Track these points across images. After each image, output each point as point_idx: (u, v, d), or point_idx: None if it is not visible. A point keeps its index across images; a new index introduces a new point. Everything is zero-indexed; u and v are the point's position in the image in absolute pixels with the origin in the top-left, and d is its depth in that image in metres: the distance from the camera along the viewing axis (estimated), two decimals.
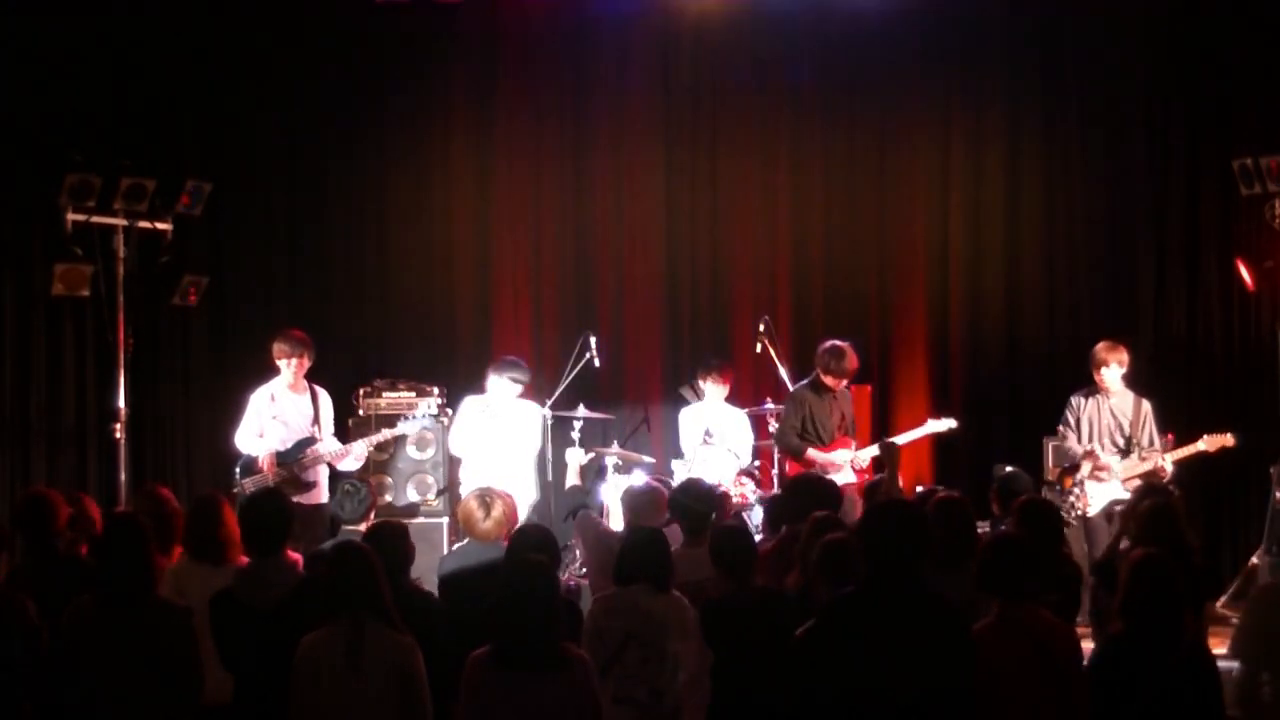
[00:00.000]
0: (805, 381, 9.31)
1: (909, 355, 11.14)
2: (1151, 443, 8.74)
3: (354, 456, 8.72)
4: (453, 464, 9.76)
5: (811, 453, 9.01)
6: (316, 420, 8.66)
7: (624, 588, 5.36)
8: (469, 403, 9.32)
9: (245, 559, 5.80)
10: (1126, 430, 8.79)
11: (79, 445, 10.27)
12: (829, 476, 8.03)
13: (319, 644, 4.69)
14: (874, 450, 9.09)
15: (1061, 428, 9.06)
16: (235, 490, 8.42)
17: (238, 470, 8.62)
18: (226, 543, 5.76)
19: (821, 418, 9.10)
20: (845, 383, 9.16)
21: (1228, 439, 8.70)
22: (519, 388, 9.19)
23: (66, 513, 6.10)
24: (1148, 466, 8.63)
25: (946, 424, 9.52)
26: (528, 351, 11.04)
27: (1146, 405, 8.85)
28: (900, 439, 9.45)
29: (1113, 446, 8.80)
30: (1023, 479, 7.36)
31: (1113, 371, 8.83)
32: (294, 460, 8.51)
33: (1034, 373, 11.01)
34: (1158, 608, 4.79)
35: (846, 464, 9.02)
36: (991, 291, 11.11)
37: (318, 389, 8.79)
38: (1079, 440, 8.89)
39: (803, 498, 6.55)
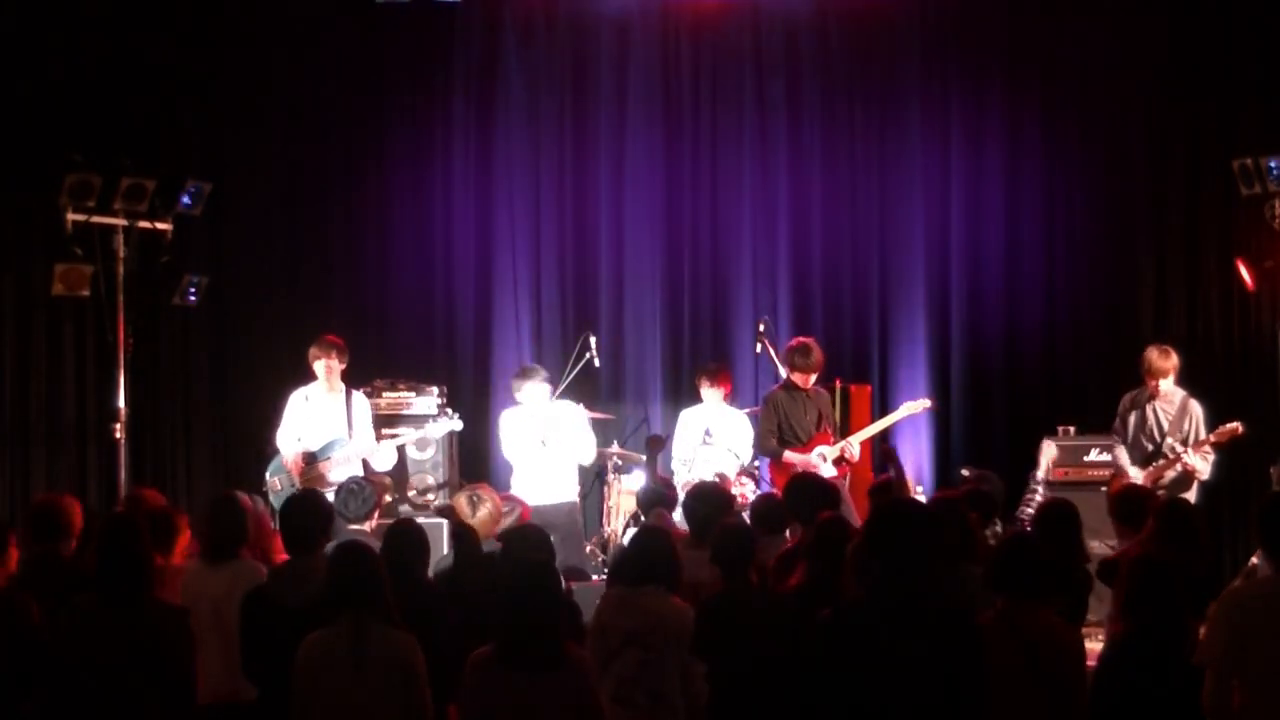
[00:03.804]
0: (777, 385, 9.40)
1: (909, 354, 11.14)
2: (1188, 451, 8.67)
3: (384, 455, 9.01)
4: (451, 467, 9.80)
5: (789, 455, 9.05)
6: (349, 421, 8.84)
7: (632, 588, 5.36)
8: (509, 416, 9.29)
9: (248, 555, 5.84)
10: (1165, 431, 8.75)
11: (79, 445, 10.27)
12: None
13: (321, 642, 4.69)
14: (859, 437, 9.22)
15: (1113, 434, 9.05)
16: (265, 489, 8.62)
17: (268, 470, 8.84)
18: (234, 542, 5.76)
19: (797, 418, 9.15)
20: (814, 378, 9.20)
21: (1235, 428, 8.68)
22: (549, 387, 9.20)
23: (77, 518, 6.11)
24: (1169, 465, 8.60)
25: (922, 404, 9.56)
26: (528, 352, 11.07)
27: (1196, 406, 8.77)
28: (876, 426, 9.54)
29: (1151, 446, 8.78)
30: (993, 480, 7.34)
31: (1169, 380, 8.79)
32: (322, 459, 8.67)
33: (1033, 372, 11.02)
34: (1157, 608, 4.79)
35: (826, 460, 9.03)
36: (991, 291, 11.11)
37: (354, 392, 9.02)
38: (1125, 445, 8.88)
39: (801, 499, 6.55)
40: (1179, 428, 8.70)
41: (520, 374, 9.31)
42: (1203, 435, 8.67)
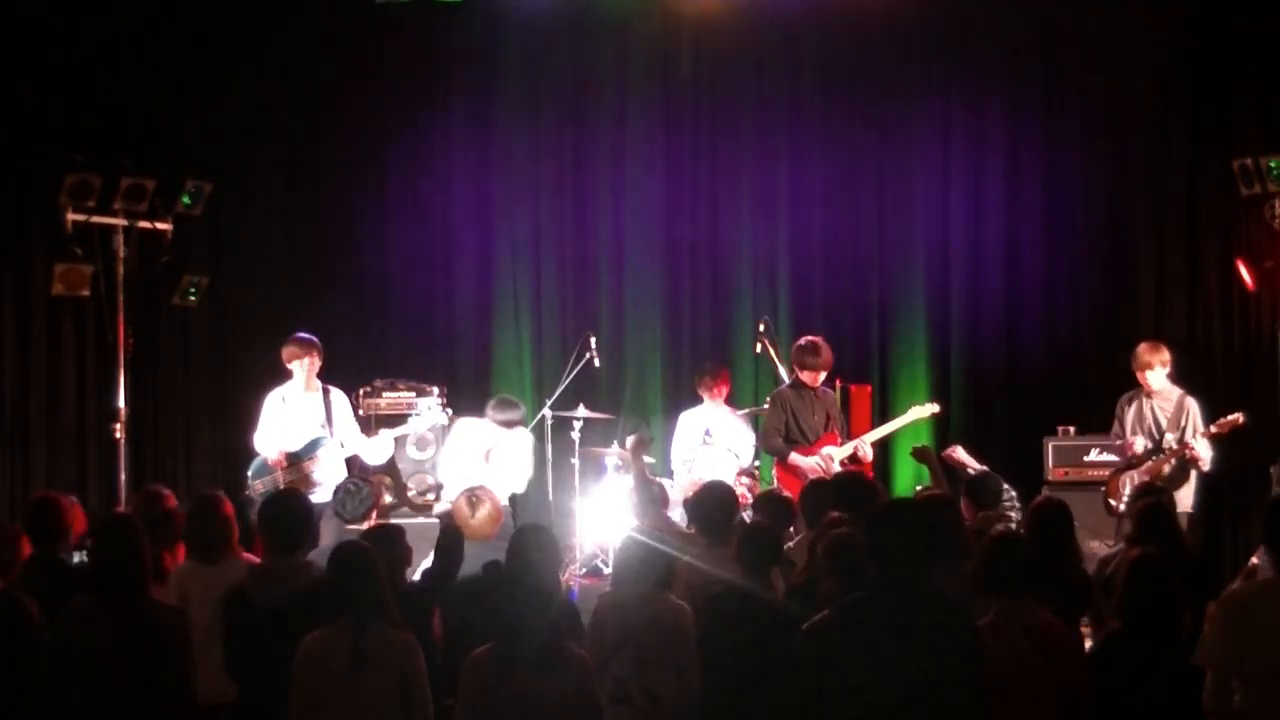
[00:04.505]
0: (785, 384, 9.40)
1: (909, 355, 11.14)
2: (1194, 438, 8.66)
3: (378, 449, 8.89)
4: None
5: (795, 457, 9.04)
6: (329, 420, 8.75)
7: (626, 589, 5.37)
8: (461, 427, 9.31)
9: (247, 556, 5.83)
10: (1164, 428, 8.77)
11: (79, 445, 10.28)
12: (814, 476, 8.24)
13: (321, 643, 4.69)
14: (854, 445, 9.14)
15: (1113, 437, 9.04)
16: (247, 492, 8.49)
17: (249, 472, 8.71)
18: (221, 541, 5.75)
19: (805, 417, 9.15)
20: (823, 376, 9.20)
21: (1237, 418, 8.69)
22: (503, 430, 9.17)
23: (73, 518, 6.10)
24: (1170, 458, 8.61)
25: (930, 409, 9.55)
26: (528, 352, 11.07)
27: (1191, 402, 8.79)
28: (886, 428, 9.52)
29: (1150, 443, 8.78)
30: (993, 480, 7.35)
31: (1156, 373, 8.80)
32: (306, 459, 8.60)
33: (1034, 372, 11.02)
34: (1155, 607, 4.80)
35: (833, 461, 9.03)
36: (991, 291, 11.11)
37: (331, 389, 8.90)
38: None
39: (814, 502, 6.56)
40: (1176, 425, 8.73)
41: (499, 404, 9.26)
42: (1198, 429, 8.69)
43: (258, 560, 5.83)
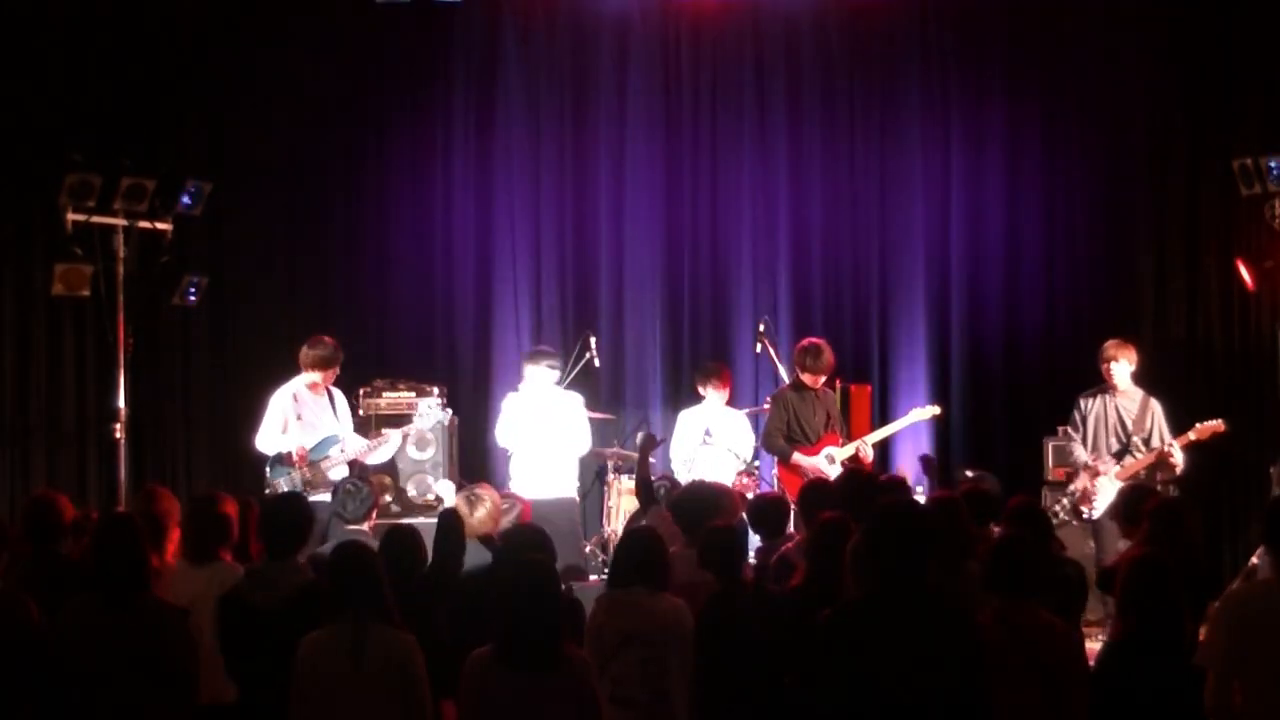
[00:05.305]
0: (787, 384, 9.42)
1: (909, 355, 11.14)
2: (1163, 441, 8.67)
3: (384, 449, 8.82)
4: (451, 466, 9.78)
5: (798, 457, 9.04)
6: (337, 420, 8.72)
7: (624, 589, 5.38)
8: (511, 399, 9.32)
9: (229, 558, 5.81)
10: (1130, 429, 8.77)
11: (79, 445, 10.28)
12: (815, 476, 8.23)
13: (321, 643, 4.69)
14: (855, 446, 9.13)
15: (1069, 429, 9.03)
16: (268, 491, 8.34)
17: (268, 471, 8.57)
18: (210, 542, 5.73)
19: (806, 417, 9.15)
20: (823, 379, 9.21)
21: (1218, 425, 8.70)
22: (555, 374, 9.21)
23: (71, 515, 6.09)
24: (1149, 460, 8.61)
25: (931, 411, 9.54)
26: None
27: (1156, 404, 8.79)
28: (886, 430, 9.53)
29: (1117, 443, 8.79)
30: (989, 481, 7.33)
31: (1120, 367, 8.79)
32: (321, 458, 8.53)
33: (1034, 373, 11.02)
34: (1155, 609, 4.79)
35: (834, 462, 9.03)
36: (991, 291, 11.12)
37: (333, 389, 8.82)
38: (1084, 441, 8.86)
39: (812, 504, 6.55)
40: (1142, 426, 8.73)
41: (528, 356, 9.32)
42: (1165, 432, 8.71)
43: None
